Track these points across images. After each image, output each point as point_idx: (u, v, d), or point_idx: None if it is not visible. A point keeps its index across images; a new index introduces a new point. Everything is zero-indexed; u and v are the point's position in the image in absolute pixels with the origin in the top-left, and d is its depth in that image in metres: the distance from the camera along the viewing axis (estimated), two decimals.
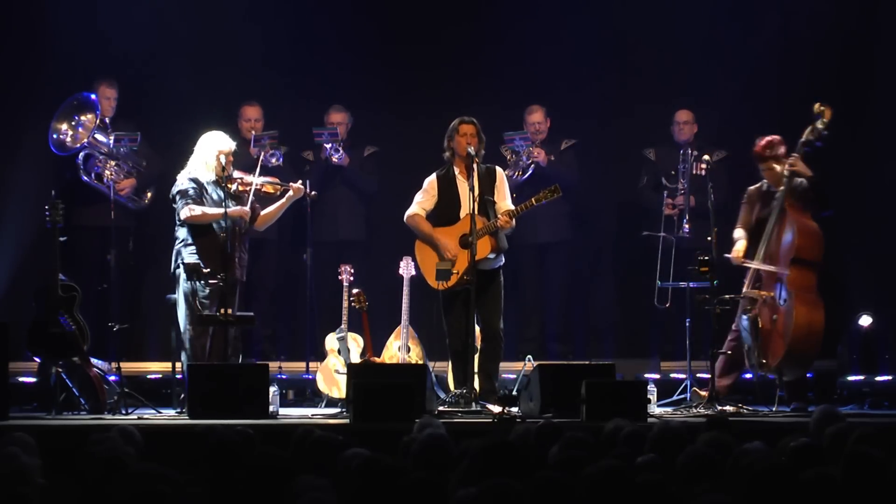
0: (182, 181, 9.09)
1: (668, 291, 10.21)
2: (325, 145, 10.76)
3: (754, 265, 9.19)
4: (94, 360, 9.08)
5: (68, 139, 10.16)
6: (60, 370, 8.81)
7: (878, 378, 10.08)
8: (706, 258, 9.10)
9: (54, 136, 10.10)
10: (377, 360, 9.69)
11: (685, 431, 5.57)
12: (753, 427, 7.80)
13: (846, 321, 10.30)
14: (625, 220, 11.38)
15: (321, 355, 9.92)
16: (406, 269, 9.75)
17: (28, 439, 5.41)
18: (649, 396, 8.58)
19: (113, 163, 10.31)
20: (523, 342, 10.90)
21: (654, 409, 8.74)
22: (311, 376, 10.08)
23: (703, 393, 9.14)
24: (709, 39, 11.16)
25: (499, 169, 9.28)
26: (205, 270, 8.84)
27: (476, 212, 8.79)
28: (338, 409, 9.08)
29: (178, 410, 8.80)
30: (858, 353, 10.23)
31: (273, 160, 10.39)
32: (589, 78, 11.25)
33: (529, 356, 9.90)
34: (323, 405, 9.65)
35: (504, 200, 9.09)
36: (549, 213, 10.42)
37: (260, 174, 9.36)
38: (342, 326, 9.83)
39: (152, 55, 10.93)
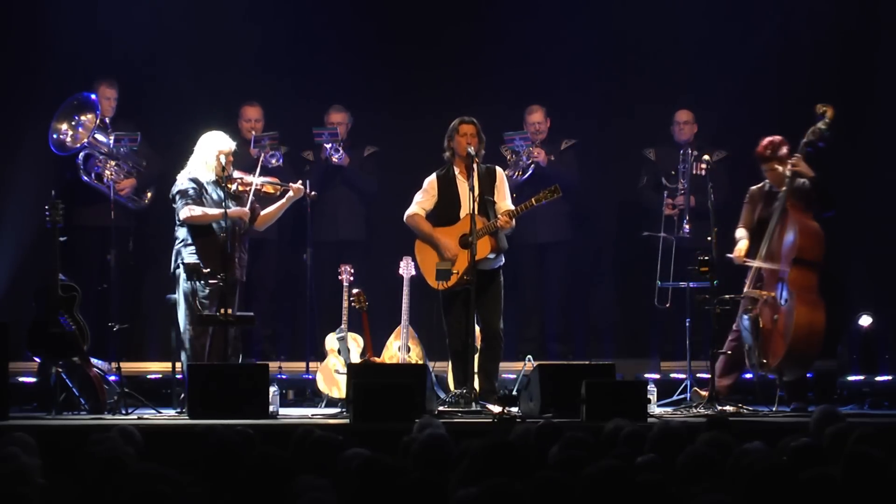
0: (182, 181, 9.09)
1: (669, 291, 10.21)
2: (325, 145, 10.76)
3: (756, 263, 9.20)
4: (94, 360, 9.08)
5: (68, 139, 10.16)
6: (60, 370, 8.81)
7: (878, 378, 10.08)
8: (706, 258, 9.10)
9: (54, 136, 10.10)
10: (377, 360, 9.69)
11: (685, 431, 5.57)
12: (753, 427, 7.80)
13: (846, 321, 10.30)
14: (625, 220, 11.38)
15: (321, 355, 9.92)
16: (406, 269, 9.75)
17: (28, 439, 5.41)
18: (649, 396, 8.57)
19: (113, 163, 10.31)
20: (523, 342, 10.90)
21: (654, 409, 8.74)
22: (311, 376, 10.08)
23: (704, 393, 9.14)
24: (709, 39, 11.16)
25: (499, 169, 9.28)
26: (205, 270, 8.84)
27: (476, 212, 8.79)
28: (338, 409, 9.08)
29: (178, 410, 8.81)
30: (858, 353, 10.23)
31: (273, 161, 10.39)
32: (589, 78, 11.25)
33: (529, 356, 9.90)
34: (323, 405, 9.65)
35: (504, 200, 9.09)
36: (549, 213, 10.42)
37: (260, 174, 9.36)
38: (342, 326, 9.83)
39: (152, 55, 10.93)
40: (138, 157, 10.46)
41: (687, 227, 10.46)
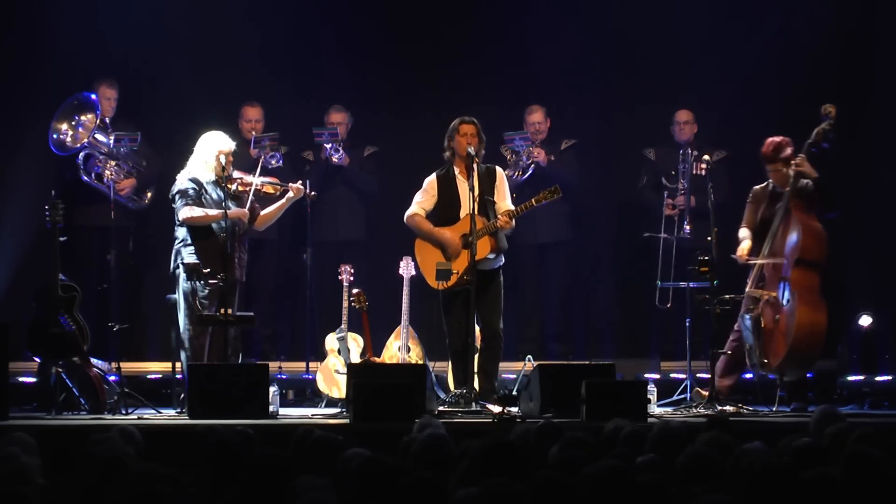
0: (182, 181, 9.09)
1: (669, 292, 10.21)
2: (325, 145, 10.76)
3: (760, 261, 9.20)
4: (94, 360, 9.08)
5: (68, 139, 10.16)
6: (60, 370, 8.82)
7: (878, 378, 10.08)
8: (706, 258, 9.10)
9: (54, 136, 10.11)
10: (377, 360, 9.69)
11: (685, 431, 5.57)
12: (753, 427, 7.80)
13: (846, 321, 10.30)
14: (625, 220, 11.38)
15: (321, 355, 9.92)
16: (406, 269, 9.75)
17: (28, 439, 5.41)
18: (649, 396, 8.57)
19: (113, 163, 10.31)
20: (523, 342, 10.90)
21: (654, 409, 8.74)
22: (311, 376, 10.08)
23: (706, 393, 9.14)
24: (709, 39, 11.15)
25: (499, 169, 9.28)
26: (205, 271, 8.84)
27: (476, 212, 8.79)
28: (338, 409, 9.08)
29: (178, 410, 8.81)
30: (858, 353, 10.23)
31: (273, 162, 10.38)
32: (589, 78, 11.25)
33: (529, 356, 9.90)
34: (323, 405, 9.65)
35: (504, 200, 9.09)
36: (549, 213, 10.41)
37: (260, 175, 9.36)
38: (342, 326, 9.83)
39: (152, 55, 10.92)
40: (138, 157, 10.46)
41: (687, 227, 10.46)
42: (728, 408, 8.86)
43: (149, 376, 10.28)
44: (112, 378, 9.10)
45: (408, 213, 9.18)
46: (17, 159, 10.65)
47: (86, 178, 10.28)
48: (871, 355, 10.24)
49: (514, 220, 9.00)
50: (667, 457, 5.01)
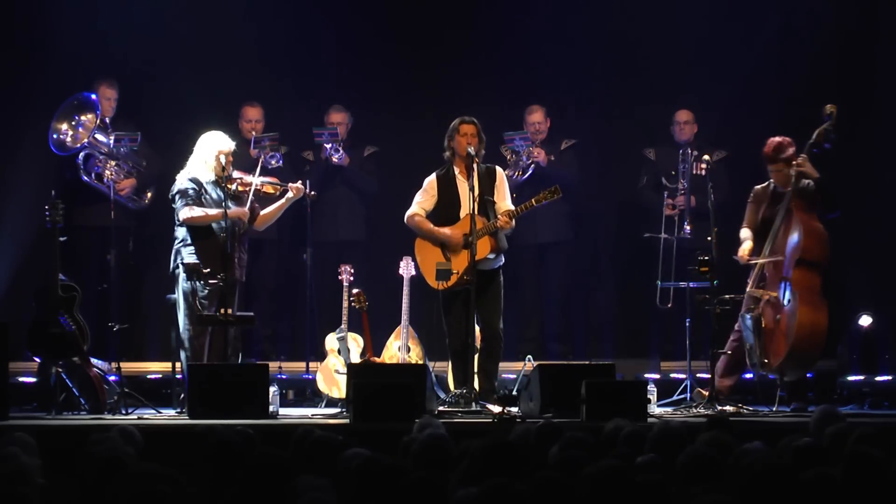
0: (181, 181, 9.08)
1: (670, 292, 10.22)
2: (325, 145, 10.76)
3: (761, 260, 9.20)
4: (94, 360, 9.08)
5: (68, 139, 10.16)
6: (60, 370, 8.82)
7: (878, 378, 10.08)
8: (706, 258, 9.10)
9: (54, 136, 10.11)
10: (377, 360, 9.69)
11: (685, 431, 5.56)
12: (753, 427, 7.80)
13: (846, 321, 10.29)
14: (625, 221, 11.37)
15: (321, 355, 9.92)
16: (406, 269, 9.75)
17: (28, 439, 5.41)
18: (649, 396, 8.57)
19: (113, 163, 10.31)
20: (523, 342, 10.90)
21: (654, 409, 8.74)
22: (311, 376, 10.08)
23: (706, 393, 9.14)
24: (709, 39, 11.14)
25: (499, 169, 9.28)
26: (204, 271, 8.84)
27: (476, 212, 8.79)
28: (338, 409, 9.08)
29: (178, 410, 8.81)
30: (858, 353, 10.23)
31: (273, 162, 10.38)
32: (589, 78, 11.25)
33: (529, 356, 9.90)
34: (323, 405, 9.65)
35: (504, 200, 9.09)
36: (549, 213, 10.41)
37: (260, 175, 9.36)
38: (342, 326, 9.83)
39: (152, 55, 10.92)
40: (138, 157, 10.46)
41: (687, 227, 10.46)
42: (728, 408, 8.85)
43: (149, 376, 10.28)
44: (112, 378, 9.10)
45: (408, 213, 9.18)
46: (17, 159, 10.65)
47: (86, 178, 10.28)
48: (871, 355, 10.24)
49: (514, 221, 9.00)
50: (667, 457, 5.00)
